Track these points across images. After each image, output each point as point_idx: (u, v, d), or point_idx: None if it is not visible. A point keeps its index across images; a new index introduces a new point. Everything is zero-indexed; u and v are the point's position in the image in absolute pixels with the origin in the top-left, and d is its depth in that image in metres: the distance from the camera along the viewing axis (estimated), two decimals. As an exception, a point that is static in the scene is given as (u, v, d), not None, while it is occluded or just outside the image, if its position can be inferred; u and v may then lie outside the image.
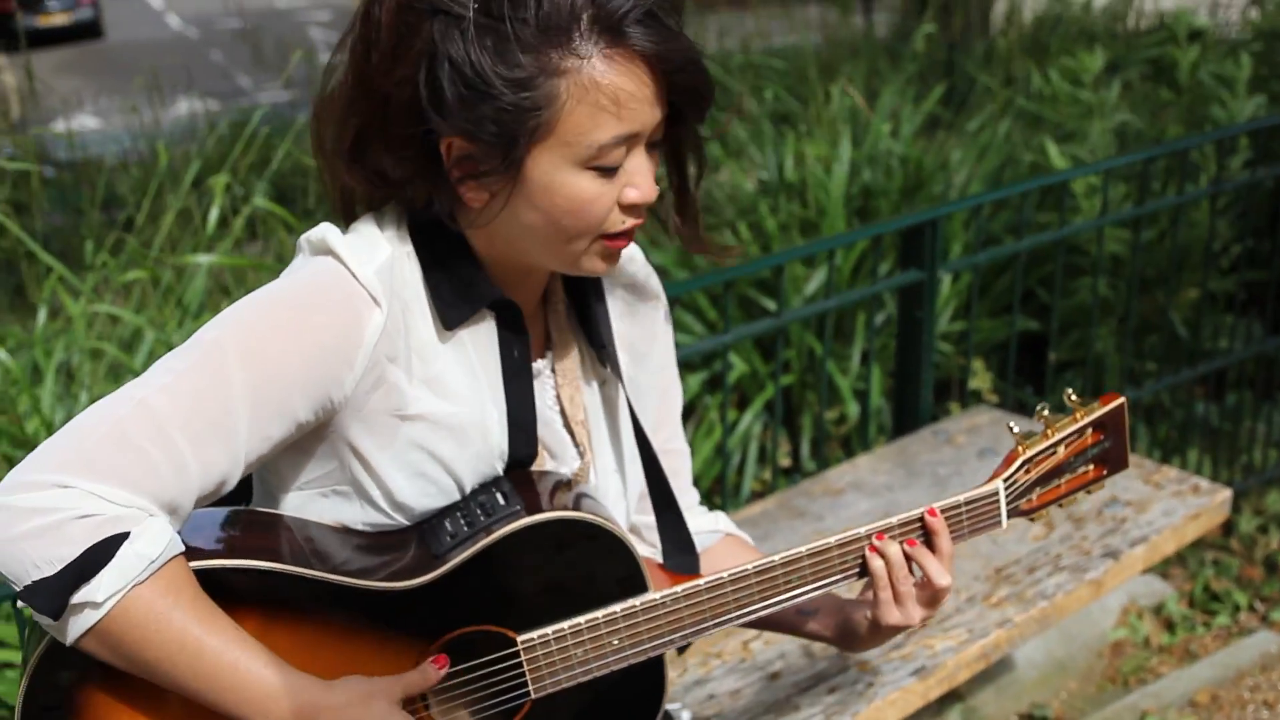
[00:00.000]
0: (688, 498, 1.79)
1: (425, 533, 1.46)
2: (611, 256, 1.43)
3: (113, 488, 1.25)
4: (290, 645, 1.37)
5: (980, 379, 3.84)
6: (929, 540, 1.58)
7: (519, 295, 1.49)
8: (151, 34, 21.98)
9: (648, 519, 1.71)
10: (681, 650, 1.70)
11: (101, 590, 1.23)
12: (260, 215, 4.05)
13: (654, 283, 1.69)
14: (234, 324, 1.35)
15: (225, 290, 3.85)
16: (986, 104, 5.44)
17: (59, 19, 21.73)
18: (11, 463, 3.08)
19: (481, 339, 1.47)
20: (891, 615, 1.57)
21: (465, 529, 1.43)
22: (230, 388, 1.30)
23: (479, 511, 1.45)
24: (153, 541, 1.26)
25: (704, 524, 1.78)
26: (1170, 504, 2.70)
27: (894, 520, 1.58)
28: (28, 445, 3.05)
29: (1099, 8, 7.46)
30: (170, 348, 3.27)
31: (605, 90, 1.30)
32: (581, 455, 1.60)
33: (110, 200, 5.36)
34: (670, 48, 1.30)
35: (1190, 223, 4.36)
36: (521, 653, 1.46)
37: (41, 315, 3.24)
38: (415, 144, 1.34)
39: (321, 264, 1.38)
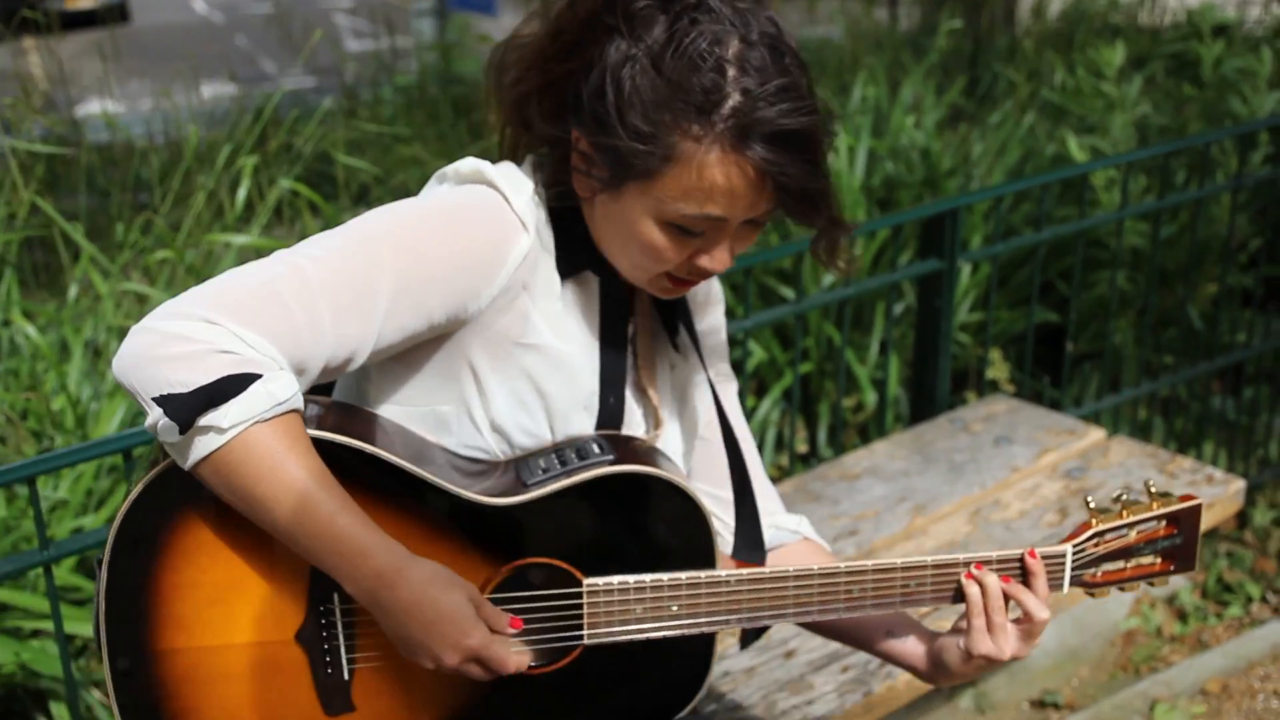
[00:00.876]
0: (770, 503, 1.83)
1: (519, 464, 1.55)
2: (670, 291, 1.55)
3: (254, 334, 1.34)
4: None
5: (997, 369, 3.87)
6: (1026, 579, 1.62)
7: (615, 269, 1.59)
8: (178, 18, 22.08)
9: (725, 494, 1.77)
10: (745, 644, 1.79)
11: (228, 417, 1.31)
12: (286, 198, 4.11)
13: (716, 285, 1.81)
14: (392, 218, 1.46)
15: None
16: (1009, 98, 5.45)
17: (86, 2, 21.87)
18: (39, 439, 3.13)
19: (585, 295, 1.58)
20: (984, 645, 1.59)
21: (558, 466, 1.52)
22: (380, 272, 1.41)
23: (573, 454, 1.54)
24: (282, 387, 1.34)
25: (787, 522, 1.83)
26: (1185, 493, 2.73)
27: (992, 554, 1.61)
28: (56, 423, 3.11)
29: (1125, 4, 7.46)
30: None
31: (706, 178, 1.40)
32: (654, 426, 1.69)
33: (138, 183, 5.42)
34: (786, 172, 1.39)
35: (1210, 218, 4.37)
36: (585, 595, 1.51)
37: (73, 292, 3.30)
38: (560, 121, 1.47)
39: (476, 189, 1.50)
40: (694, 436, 1.76)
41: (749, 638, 1.83)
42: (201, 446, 1.33)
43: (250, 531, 1.41)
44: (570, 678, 1.58)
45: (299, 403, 1.37)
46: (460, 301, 1.45)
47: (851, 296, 2.99)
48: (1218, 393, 4.30)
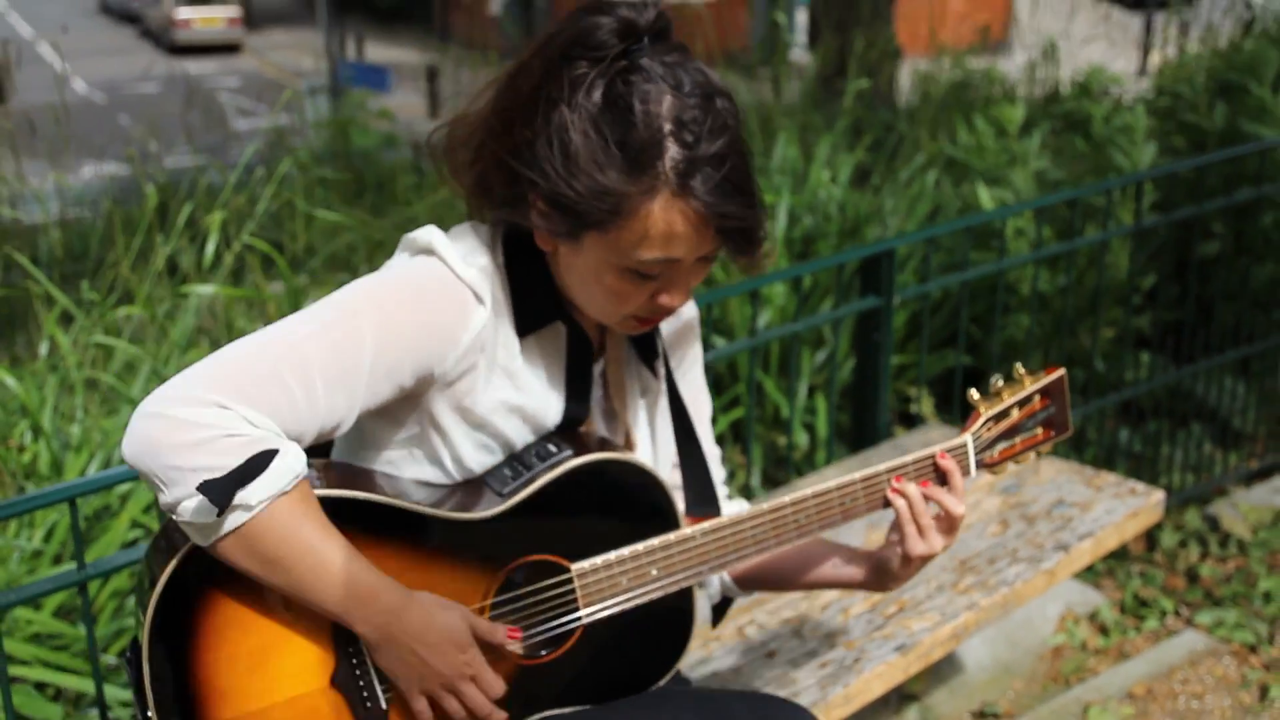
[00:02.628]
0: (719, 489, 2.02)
1: (487, 478, 1.71)
2: (637, 328, 1.71)
3: (259, 414, 1.48)
4: (377, 566, 1.57)
5: (924, 405, 4.10)
6: (942, 479, 1.85)
7: (585, 317, 1.74)
8: (57, 98, 21.86)
9: (675, 480, 1.95)
10: (715, 623, 1.99)
11: (255, 495, 1.45)
12: (237, 256, 4.22)
13: (690, 309, 1.98)
14: (366, 296, 1.59)
15: (204, 330, 4.00)
16: (914, 155, 5.76)
17: (-37, 83, 21.55)
18: (8, 488, 3.19)
19: (550, 343, 1.73)
20: (918, 546, 1.82)
21: (525, 471, 1.69)
22: (362, 346, 1.55)
23: (534, 457, 1.70)
24: (295, 459, 1.49)
25: (730, 509, 2.01)
26: (1111, 504, 2.97)
27: (906, 459, 1.84)
28: (29, 473, 3.17)
29: (1003, 77, 7.88)
30: (163, 378, 3.41)
31: (655, 226, 1.54)
32: (626, 446, 1.86)
33: (37, 261, 5.47)
34: (727, 211, 1.54)
35: (1106, 265, 4.69)
36: (574, 579, 1.69)
37: (44, 347, 3.38)
38: (517, 186, 1.61)
39: (429, 261, 1.63)
40: (667, 454, 1.93)
41: (718, 616, 2.06)
42: (229, 523, 1.46)
43: (271, 596, 1.55)
44: (572, 658, 1.74)
45: (307, 470, 1.52)
46: (427, 367, 1.60)
47: (800, 331, 3.19)
48: (1123, 427, 4.59)
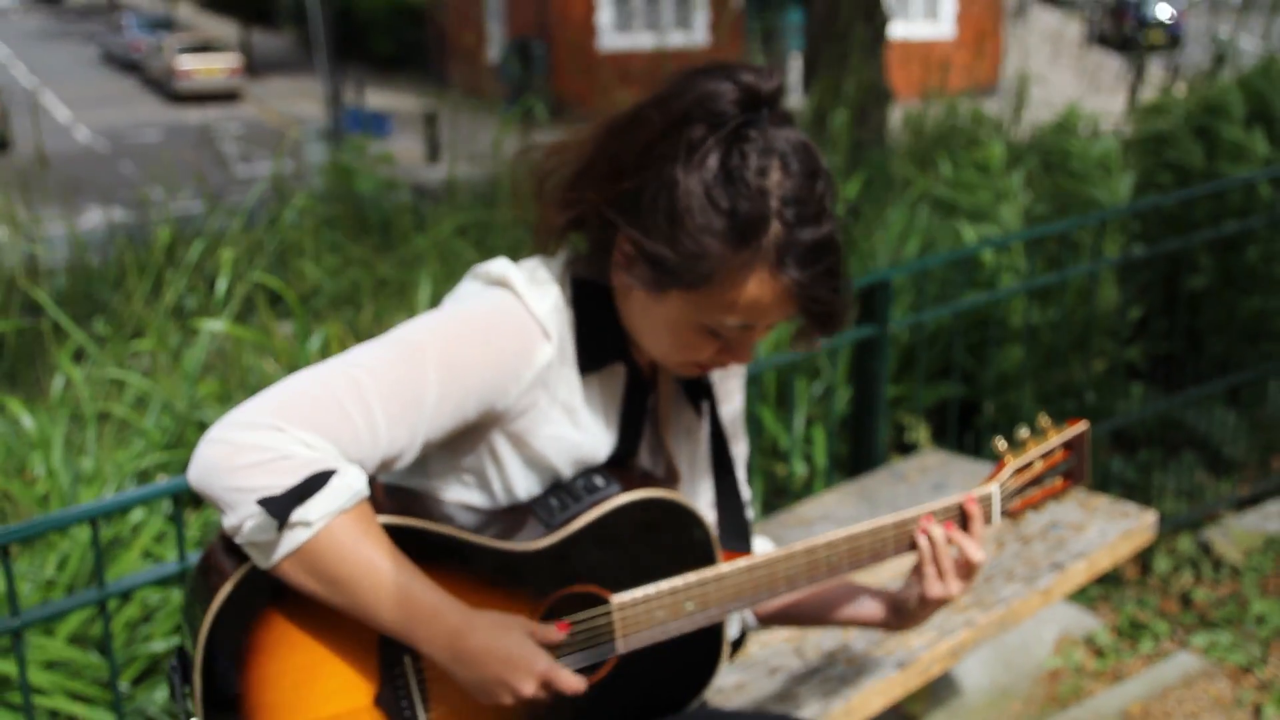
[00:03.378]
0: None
1: (535, 506, 1.76)
2: (694, 373, 1.76)
3: (318, 438, 1.53)
4: None
5: (921, 433, 4.17)
6: (964, 524, 1.92)
7: (643, 356, 1.80)
8: (60, 146, 22.08)
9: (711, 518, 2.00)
10: (733, 652, 2.06)
11: (314, 511, 1.50)
12: (246, 294, 4.30)
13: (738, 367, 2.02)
14: (432, 331, 1.64)
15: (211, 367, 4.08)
16: (900, 195, 5.87)
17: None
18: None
19: (609, 382, 1.78)
20: (935, 588, 1.89)
21: (572, 502, 1.74)
22: (425, 382, 1.60)
23: (582, 489, 1.75)
24: (355, 478, 1.54)
25: (758, 546, 2.08)
26: (1105, 525, 3.04)
27: (936, 505, 1.90)
28: (41, 508, 3.23)
29: (991, 118, 8.01)
30: (175, 411, 3.47)
31: (744, 295, 1.58)
32: (671, 481, 1.92)
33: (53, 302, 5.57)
34: (816, 294, 1.58)
35: (1095, 298, 4.78)
36: (614, 611, 1.74)
37: (58, 382, 3.45)
38: (610, 227, 1.64)
39: (501, 294, 1.69)
40: (706, 490, 1.98)
41: (733, 650, 2.10)
42: (290, 542, 1.51)
43: (320, 616, 1.60)
44: (605, 684, 1.80)
45: (367, 490, 1.57)
46: (490, 401, 1.65)
47: (798, 360, 3.27)
48: (1115, 456, 4.67)
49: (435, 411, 1.61)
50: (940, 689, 3.58)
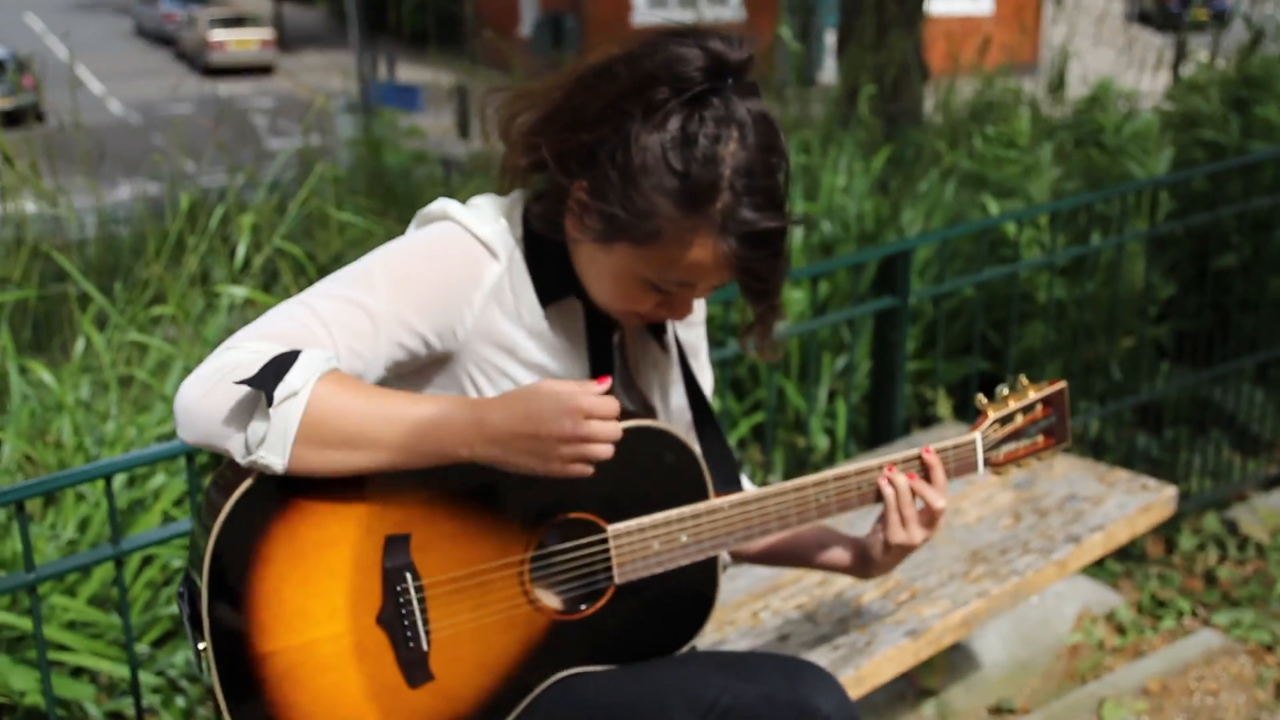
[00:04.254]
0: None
1: None
2: (637, 321, 1.81)
3: (273, 345, 1.57)
4: (416, 510, 1.65)
5: (942, 407, 4.15)
6: (926, 474, 1.95)
7: None
8: (93, 119, 22.20)
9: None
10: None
11: (295, 380, 1.52)
12: (265, 263, 4.31)
13: (700, 306, 2.06)
14: (379, 259, 1.70)
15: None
16: (931, 168, 5.83)
17: (1, 103, 21.84)
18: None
19: (569, 316, 1.81)
20: (898, 535, 1.93)
21: None
22: (375, 299, 1.65)
23: None
24: (320, 353, 1.57)
25: (747, 486, 2.08)
26: (1123, 499, 3.01)
27: (897, 456, 1.95)
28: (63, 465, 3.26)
29: (1028, 94, 7.93)
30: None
31: (686, 256, 1.64)
32: (651, 415, 1.95)
33: (80, 271, 5.59)
34: (753, 265, 1.65)
35: (1123, 273, 4.74)
36: (610, 540, 1.76)
37: (80, 345, 3.48)
38: (568, 171, 1.68)
39: (443, 224, 1.74)
40: (679, 421, 2.01)
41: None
42: (288, 420, 1.51)
43: (324, 532, 1.61)
44: (602, 618, 1.81)
45: (337, 360, 1.59)
46: (447, 324, 1.69)
47: (816, 328, 3.25)
48: (1141, 433, 4.63)
49: (389, 329, 1.65)
50: (958, 662, 3.56)
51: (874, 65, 6.36)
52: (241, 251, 3.59)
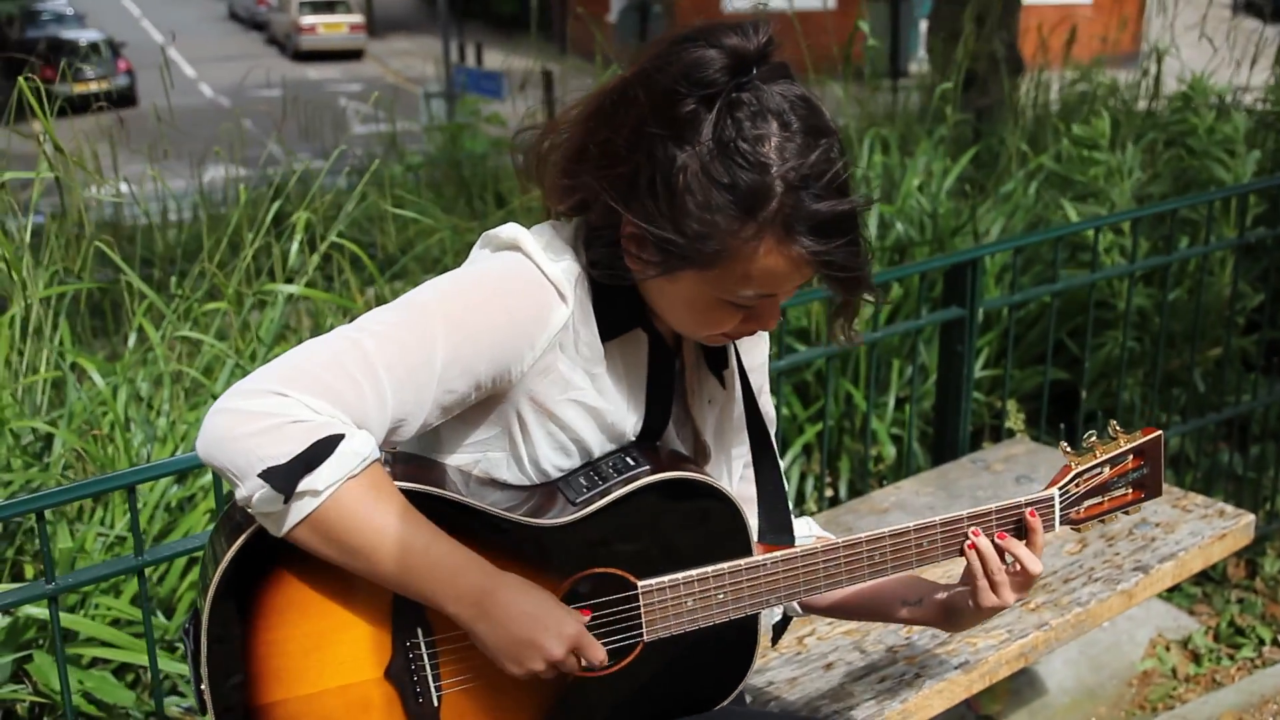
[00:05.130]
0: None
1: (561, 484, 1.68)
2: (722, 343, 1.69)
3: (322, 402, 1.47)
4: None
5: (1014, 420, 4.00)
6: (1022, 532, 1.80)
7: (664, 323, 1.70)
8: (185, 102, 22.54)
9: (747, 493, 1.91)
10: (775, 640, 1.96)
11: (323, 479, 1.44)
12: (317, 264, 4.28)
13: None
14: (441, 294, 1.58)
15: (293, 328, 4.06)
16: (1019, 168, 5.65)
17: (95, 86, 22.23)
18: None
19: (631, 350, 1.70)
20: (989, 599, 1.78)
21: (600, 482, 1.66)
22: (433, 345, 1.53)
23: (610, 469, 1.67)
24: (363, 443, 1.48)
25: (799, 529, 1.98)
26: (1197, 525, 2.86)
27: (991, 509, 1.79)
28: (109, 465, 3.23)
29: (1125, 86, 7.69)
30: (247, 372, 3.46)
31: (756, 267, 1.52)
32: (700, 456, 1.84)
33: (150, 257, 5.60)
34: (830, 256, 1.51)
35: (1211, 281, 4.55)
36: (640, 597, 1.65)
37: (132, 340, 3.45)
38: (613, 211, 1.57)
39: (514, 256, 1.61)
40: (737, 461, 1.90)
41: (777, 634, 2.00)
42: (299, 511, 1.45)
43: (335, 582, 1.55)
44: (629, 674, 1.71)
45: (378, 454, 1.51)
46: (504, 366, 1.58)
47: (879, 339, 3.14)
48: (1225, 449, 4.44)
49: (444, 374, 1.54)
50: (1022, 687, 3.43)
51: (961, 58, 6.17)
52: (294, 249, 3.54)
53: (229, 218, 3.76)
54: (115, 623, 2.99)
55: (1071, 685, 3.46)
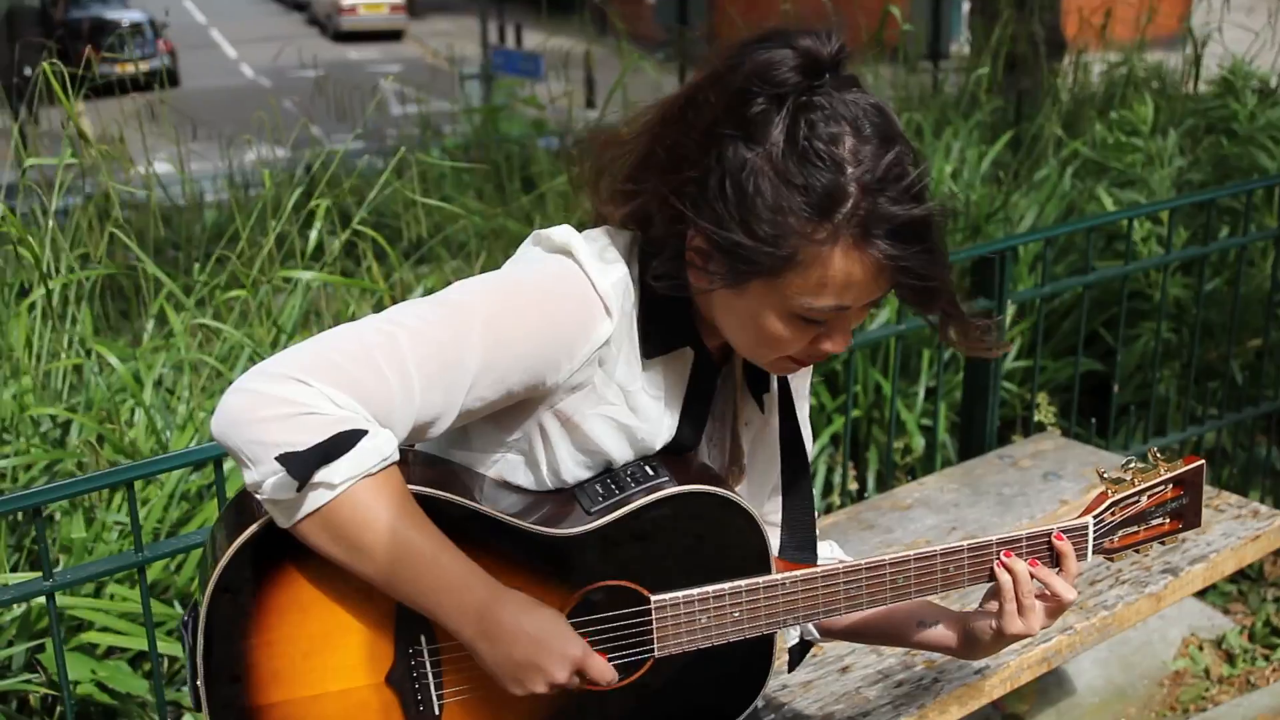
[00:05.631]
0: None
1: (578, 492, 1.63)
2: (790, 369, 1.62)
3: (346, 395, 1.41)
4: None
5: (1044, 413, 3.93)
6: (1055, 558, 1.74)
7: (713, 339, 1.65)
8: (225, 82, 22.55)
9: (772, 517, 1.86)
10: (792, 667, 1.91)
11: (339, 473, 1.40)
12: (341, 249, 4.25)
13: None
14: (483, 294, 1.52)
15: (317, 313, 4.04)
16: (1055, 154, 5.55)
17: (135, 67, 22.36)
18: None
19: (674, 367, 1.64)
20: (1014, 625, 1.72)
21: (616, 491, 1.60)
22: (468, 346, 1.47)
23: (629, 479, 1.62)
24: (385, 442, 1.43)
25: (821, 551, 1.92)
26: (1230, 526, 2.79)
27: (1021, 534, 1.72)
28: (128, 453, 3.22)
29: (1168, 70, 7.55)
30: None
31: (831, 274, 1.45)
32: (731, 477, 1.80)
33: (178, 241, 5.60)
34: (907, 263, 1.44)
35: (1250, 272, 4.44)
36: (653, 612, 1.60)
37: (150, 326, 3.44)
38: (677, 222, 1.51)
39: (564, 263, 1.55)
40: (766, 486, 1.85)
41: (795, 660, 1.94)
42: (311, 502, 1.41)
43: (337, 584, 1.50)
44: (639, 688, 1.66)
45: (397, 455, 1.46)
46: (539, 376, 1.52)
47: (905, 331, 3.08)
48: (1263, 444, 4.35)
49: (477, 380, 1.48)
50: (1050, 686, 3.37)
51: (1000, 40, 6.04)
52: (314, 236, 3.51)
53: (259, 201, 3.73)
54: (130, 612, 2.99)
55: (1101, 685, 3.39)
